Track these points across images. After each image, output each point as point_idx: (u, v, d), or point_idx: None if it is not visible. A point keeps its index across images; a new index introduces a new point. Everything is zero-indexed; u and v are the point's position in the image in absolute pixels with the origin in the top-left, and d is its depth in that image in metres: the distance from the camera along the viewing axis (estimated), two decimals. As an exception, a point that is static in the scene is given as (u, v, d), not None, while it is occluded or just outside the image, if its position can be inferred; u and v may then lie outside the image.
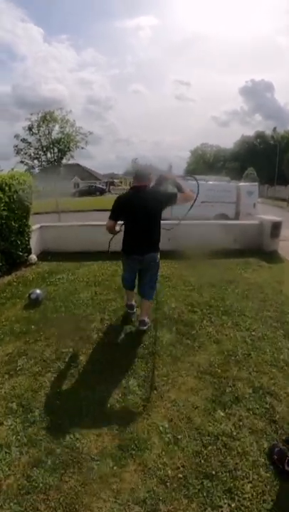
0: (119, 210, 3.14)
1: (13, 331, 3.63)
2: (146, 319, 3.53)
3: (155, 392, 2.66)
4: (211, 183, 11.19)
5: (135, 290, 3.73)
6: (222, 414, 2.46)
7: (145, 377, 2.82)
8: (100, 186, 45.02)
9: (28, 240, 6.14)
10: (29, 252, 6.21)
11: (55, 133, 10.03)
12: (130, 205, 3.09)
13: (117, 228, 3.28)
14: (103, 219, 5.45)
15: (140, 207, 3.02)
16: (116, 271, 5.42)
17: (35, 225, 6.82)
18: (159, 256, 3.33)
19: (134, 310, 3.88)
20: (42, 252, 6.94)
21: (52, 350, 3.24)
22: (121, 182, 61.54)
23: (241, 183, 11.67)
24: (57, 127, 10.01)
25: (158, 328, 3.59)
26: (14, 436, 2.25)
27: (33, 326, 3.69)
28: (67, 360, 3.06)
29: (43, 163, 10.30)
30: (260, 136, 50.38)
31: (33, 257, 6.24)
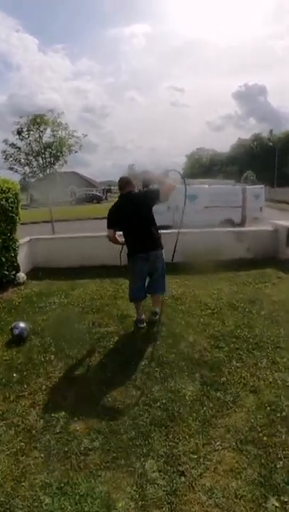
0: (113, 218, 3.33)
1: (-10, 381, 2.83)
2: (158, 309, 3.70)
3: (183, 478, 1.88)
4: (215, 186, 10.48)
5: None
6: (276, 503, 1.75)
7: (167, 455, 2.03)
8: (97, 194, 44.33)
9: (15, 256, 5.35)
10: (17, 269, 5.42)
11: (47, 137, 9.28)
12: (121, 211, 3.30)
13: (121, 239, 3.42)
14: (100, 229, 4.78)
15: (131, 211, 3.23)
16: (117, 291, 4.63)
17: (24, 237, 6.05)
18: (163, 252, 3.47)
19: (144, 324, 3.63)
20: (33, 268, 6.15)
21: (39, 412, 2.44)
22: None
23: (248, 186, 10.94)
24: (48, 131, 9.27)
25: (177, 376, 2.78)
26: None
27: (15, 375, 2.88)
28: (58, 429, 2.26)
29: (35, 169, 9.52)
30: (257, 138, 50.17)
31: (22, 275, 5.45)
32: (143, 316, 3.65)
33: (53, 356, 3.13)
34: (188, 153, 66.44)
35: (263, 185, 11.34)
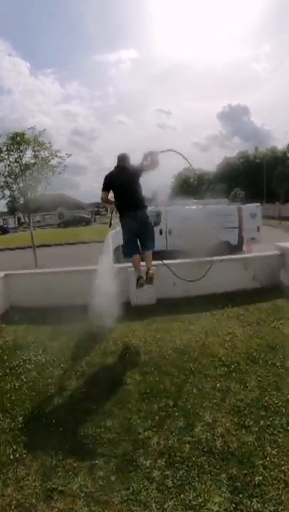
0: (108, 182, 3.96)
1: None
2: (152, 271, 4.00)
3: None
4: (209, 207, 9.86)
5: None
6: None
7: None
8: (86, 216, 43.95)
9: (-13, 298, 4.52)
10: (-11, 313, 4.57)
11: (28, 157, 8.58)
12: (115, 178, 3.92)
13: (110, 197, 4.01)
14: (87, 259, 4.12)
15: (122, 178, 3.86)
16: (107, 343, 3.76)
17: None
18: (147, 212, 4.04)
19: (144, 280, 4.00)
20: (10, 307, 5.29)
21: None
22: (107, 210, 60.77)
23: (243, 205, 10.37)
24: (30, 151, 8.57)
25: (196, 482, 1.95)
26: None
27: None
28: None
29: (15, 192, 8.76)
30: (243, 156, 51.00)
31: (-5, 320, 4.60)
32: (142, 274, 4.05)
33: (25, 452, 2.26)
34: (175, 173, 66.61)
35: (259, 204, 10.77)
